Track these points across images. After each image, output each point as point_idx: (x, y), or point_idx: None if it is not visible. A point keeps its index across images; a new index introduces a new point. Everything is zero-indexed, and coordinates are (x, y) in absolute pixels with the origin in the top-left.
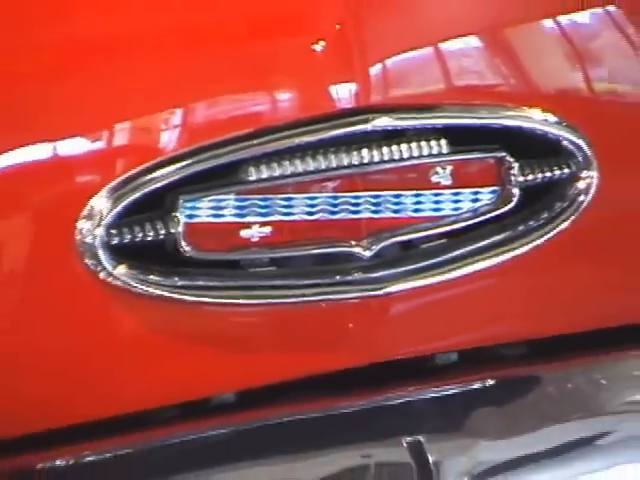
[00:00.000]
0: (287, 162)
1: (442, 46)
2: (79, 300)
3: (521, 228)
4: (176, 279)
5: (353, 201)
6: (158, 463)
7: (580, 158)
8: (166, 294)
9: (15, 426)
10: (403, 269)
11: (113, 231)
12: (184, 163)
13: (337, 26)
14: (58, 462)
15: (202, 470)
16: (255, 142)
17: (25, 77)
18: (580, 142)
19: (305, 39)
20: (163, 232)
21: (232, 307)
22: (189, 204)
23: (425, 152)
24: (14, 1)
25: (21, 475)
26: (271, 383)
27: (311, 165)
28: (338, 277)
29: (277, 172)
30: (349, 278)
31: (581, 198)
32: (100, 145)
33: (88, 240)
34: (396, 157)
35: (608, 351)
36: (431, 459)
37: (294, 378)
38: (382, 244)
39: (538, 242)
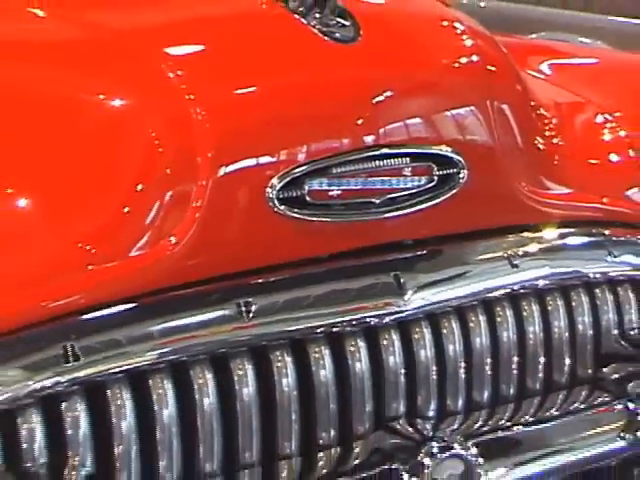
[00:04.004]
0: (348, 166)
1: (408, 121)
2: (266, 217)
3: (438, 192)
4: (305, 211)
5: (372, 181)
6: (283, 285)
7: (460, 165)
8: (301, 217)
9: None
10: (393, 206)
11: (280, 192)
12: (306, 166)
13: (367, 113)
14: (271, 279)
15: (308, 286)
16: (333, 158)
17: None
18: (460, 158)
19: (354, 118)
20: (299, 192)
21: (326, 222)
22: (309, 181)
23: (401, 162)
24: None
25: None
26: (341, 250)
27: (355, 167)
28: (373, 209)
29: (343, 169)
30: (373, 210)
31: (461, 180)
32: (274, 160)
33: (270, 196)
34: (390, 164)
35: (479, 240)
36: (402, 281)
37: (346, 249)
38: (384, 197)
39: (446, 196)
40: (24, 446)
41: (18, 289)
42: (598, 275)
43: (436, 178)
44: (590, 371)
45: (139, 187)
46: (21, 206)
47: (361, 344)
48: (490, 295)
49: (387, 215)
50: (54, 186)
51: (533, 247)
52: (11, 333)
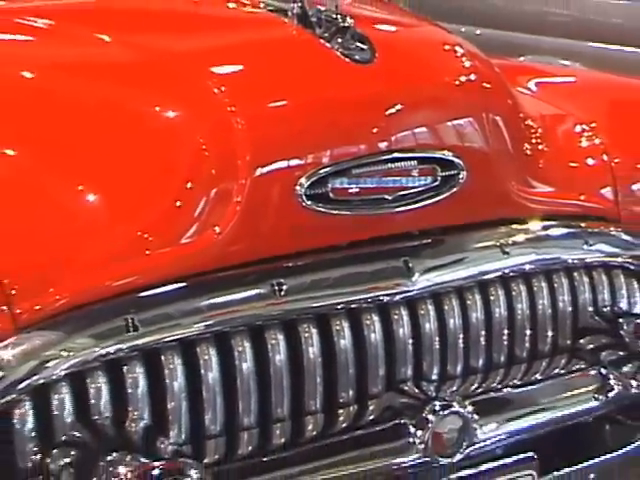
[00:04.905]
0: (365, 168)
1: (416, 129)
2: (295, 211)
3: (441, 190)
4: (328, 205)
5: (385, 180)
6: (309, 268)
7: (459, 167)
8: (325, 210)
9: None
10: (403, 202)
11: (307, 189)
12: (330, 167)
13: (382, 123)
14: (299, 263)
15: (331, 269)
16: (353, 161)
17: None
18: (460, 162)
19: (370, 127)
20: (324, 190)
21: (345, 215)
22: (332, 180)
23: (410, 165)
24: None
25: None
26: (359, 239)
27: (371, 168)
28: (386, 204)
29: (361, 170)
30: (386, 205)
31: (461, 180)
32: (303, 162)
33: (299, 193)
34: (400, 166)
35: (475, 231)
36: (410, 265)
37: (362, 238)
38: (396, 194)
39: (447, 193)
40: (92, 402)
41: (89, 270)
42: (576, 261)
43: (439, 178)
44: (569, 342)
45: (189, 185)
46: (91, 201)
47: (375, 318)
48: (484, 278)
49: (398, 209)
50: (119, 185)
51: (521, 237)
52: (82, 307)
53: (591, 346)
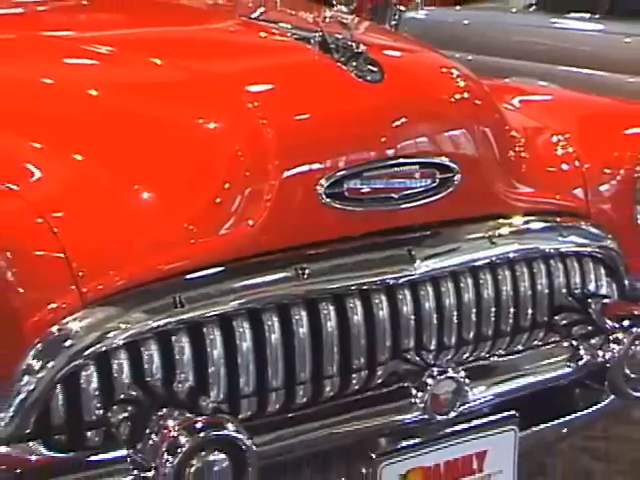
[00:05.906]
0: (375, 171)
1: (418, 139)
2: (316, 207)
3: (439, 190)
4: (344, 202)
5: (392, 182)
6: (328, 255)
7: (455, 170)
8: (341, 207)
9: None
10: (407, 200)
11: (326, 189)
12: (346, 170)
13: (389, 133)
14: (320, 251)
15: (346, 256)
16: (365, 165)
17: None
18: (455, 166)
19: (379, 137)
20: (340, 189)
21: (358, 211)
22: (347, 182)
23: (413, 168)
24: None
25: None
26: (369, 231)
27: (380, 172)
28: (392, 202)
29: (371, 173)
30: (392, 202)
31: (456, 182)
32: (323, 166)
33: (319, 192)
34: (405, 170)
35: (468, 225)
36: (413, 253)
37: (372, 230)
38: (401, 193)
39: (444, 193)
40: (145, 366)
41: (143, 256)
42: (552, 250)
43: (438, 180)
44: (546, 318)
45: (227, 185)
46: (145, 198)
47: (383, 298)
48: (475, 264)
49: (402, 206)
50: (168, 185)
51: (506, 230)
52: (137, 287)
53: (564, 322)
